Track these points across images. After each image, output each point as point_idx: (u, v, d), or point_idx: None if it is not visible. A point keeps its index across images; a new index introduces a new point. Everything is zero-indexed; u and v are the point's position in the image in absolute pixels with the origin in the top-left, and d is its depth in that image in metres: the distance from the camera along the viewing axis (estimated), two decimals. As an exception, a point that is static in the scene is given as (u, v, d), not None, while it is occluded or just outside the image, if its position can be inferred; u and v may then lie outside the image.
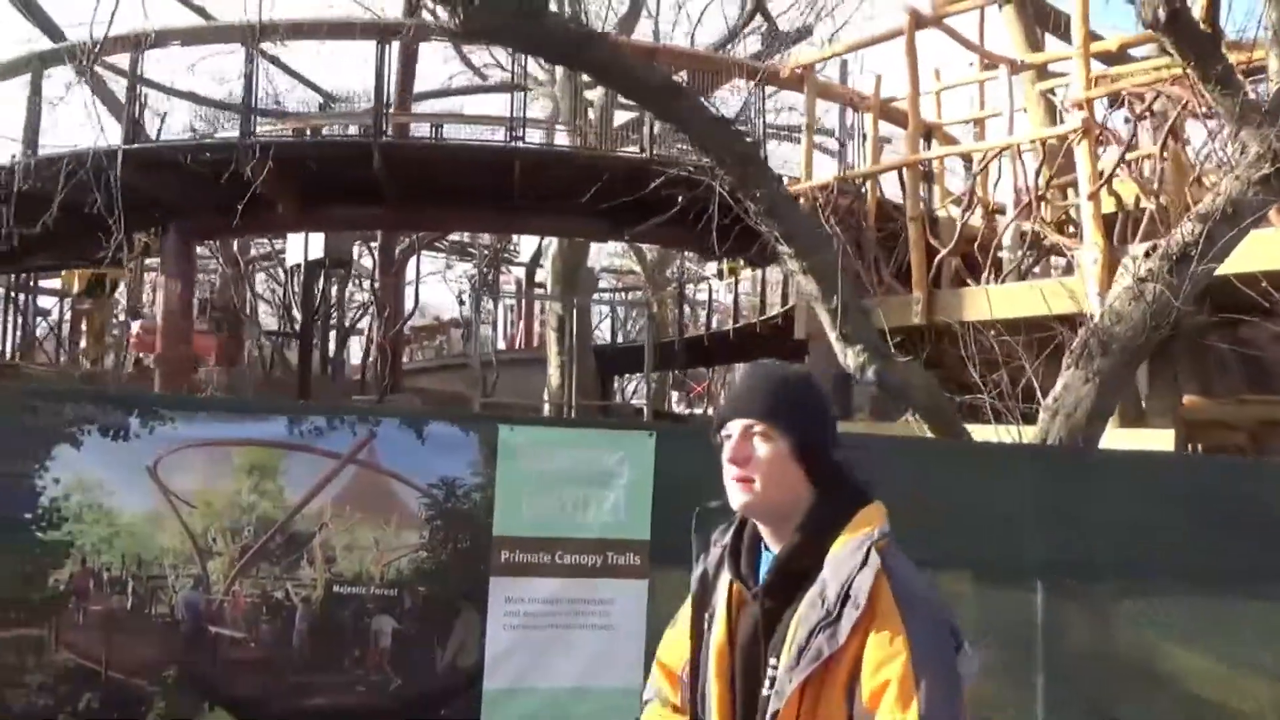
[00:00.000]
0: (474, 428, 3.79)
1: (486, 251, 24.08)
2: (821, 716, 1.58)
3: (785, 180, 9.55)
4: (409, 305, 21.82)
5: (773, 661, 1.63)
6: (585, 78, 12.39)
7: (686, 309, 26.50)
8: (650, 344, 16.03)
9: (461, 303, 26.96)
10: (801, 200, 9.18)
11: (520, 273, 27.73)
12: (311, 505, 3.63)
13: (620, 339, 27.89)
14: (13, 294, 24.34)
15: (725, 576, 1.76)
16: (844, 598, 1.59)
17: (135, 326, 25.60)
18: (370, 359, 21.42)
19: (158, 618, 3.52)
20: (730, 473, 1.71)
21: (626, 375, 26.62)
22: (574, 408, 14.75)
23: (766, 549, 1.72)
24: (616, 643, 3.81)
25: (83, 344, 19.82)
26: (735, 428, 1.72)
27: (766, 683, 1.63)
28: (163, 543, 3.54)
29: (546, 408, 16.57)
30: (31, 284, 20.93)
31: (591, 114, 13.91)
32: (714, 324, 24.66)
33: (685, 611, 1.82)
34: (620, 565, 3.85)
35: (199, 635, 3.54)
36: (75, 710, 3.42)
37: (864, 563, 1.60)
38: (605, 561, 3.84)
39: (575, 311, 16.04)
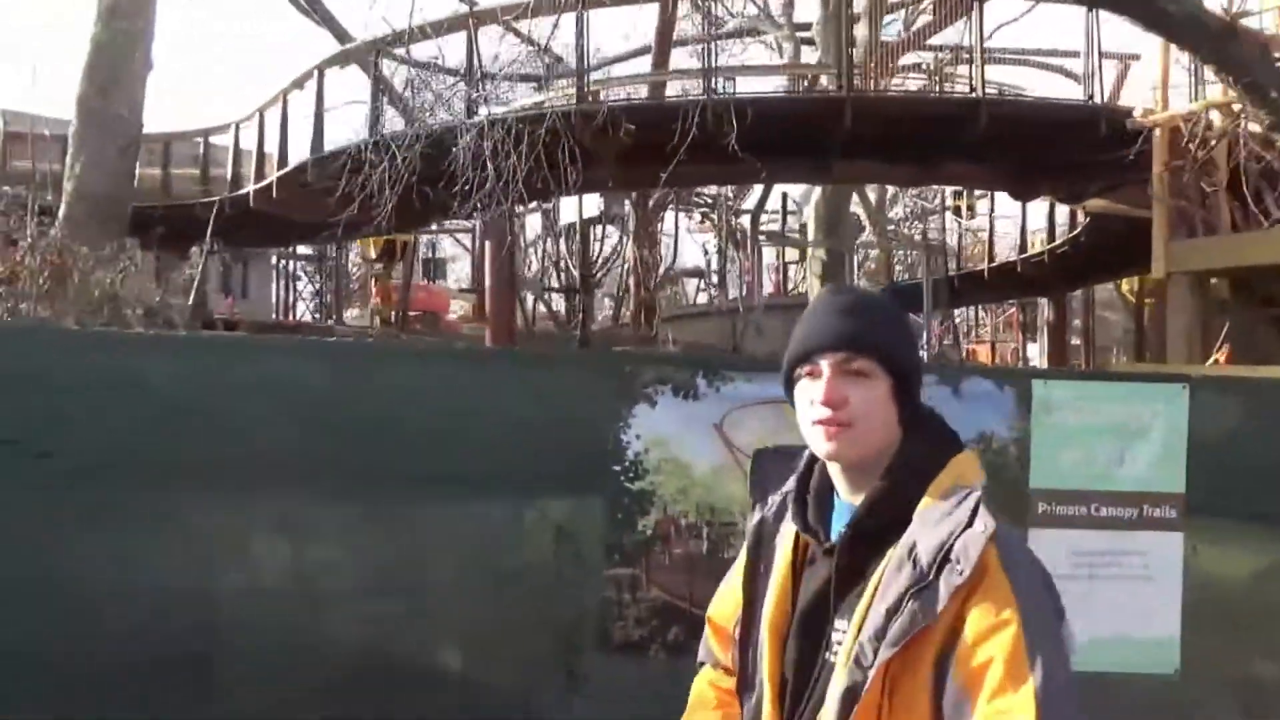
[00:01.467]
0: (1008, 382, 3.87)
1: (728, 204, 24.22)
2: (903, 694, 1.38)
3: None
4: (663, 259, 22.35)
5: (840, 624, 1.46)
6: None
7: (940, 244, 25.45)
8: (928, 283, 15.69)
9: (706, 253, 27.34)
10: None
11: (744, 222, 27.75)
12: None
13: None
14: (284, 262, 26.65)
15: (787, 527, 1.58)
16: (942, 559, 1.38)
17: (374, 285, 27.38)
18: (626, 310, 22.11)
19: (729, 560, 3.83)
20: (816, 415, 1.48)
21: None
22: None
23: (839, 499, 1.53)
24: (1154, 594, 3.83)
25: (374, 303, 21.56)
26: (826, 363, 1.48)
27: (834, 647, 1.45)
28: (730, 493, 3.83)
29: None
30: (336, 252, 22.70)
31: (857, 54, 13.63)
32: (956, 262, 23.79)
33: (739, 565, 1.66)
34: (1156, 518, 3.85)
35: (766, 577, 3.83)
36: (665, 641, 3.79)
37: (970, 521, 1.40)
38: (1140, 514, 3.85)
39: (838, 257, 15.92)
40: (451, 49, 11.74)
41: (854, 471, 1.49)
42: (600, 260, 18.40)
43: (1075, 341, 23.20)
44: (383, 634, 3.68)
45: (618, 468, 3.79)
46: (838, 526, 1.50)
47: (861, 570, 1.45)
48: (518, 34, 11.33)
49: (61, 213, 12.60)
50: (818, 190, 16.13)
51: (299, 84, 12.99)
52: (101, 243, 10.82)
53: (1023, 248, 20.44)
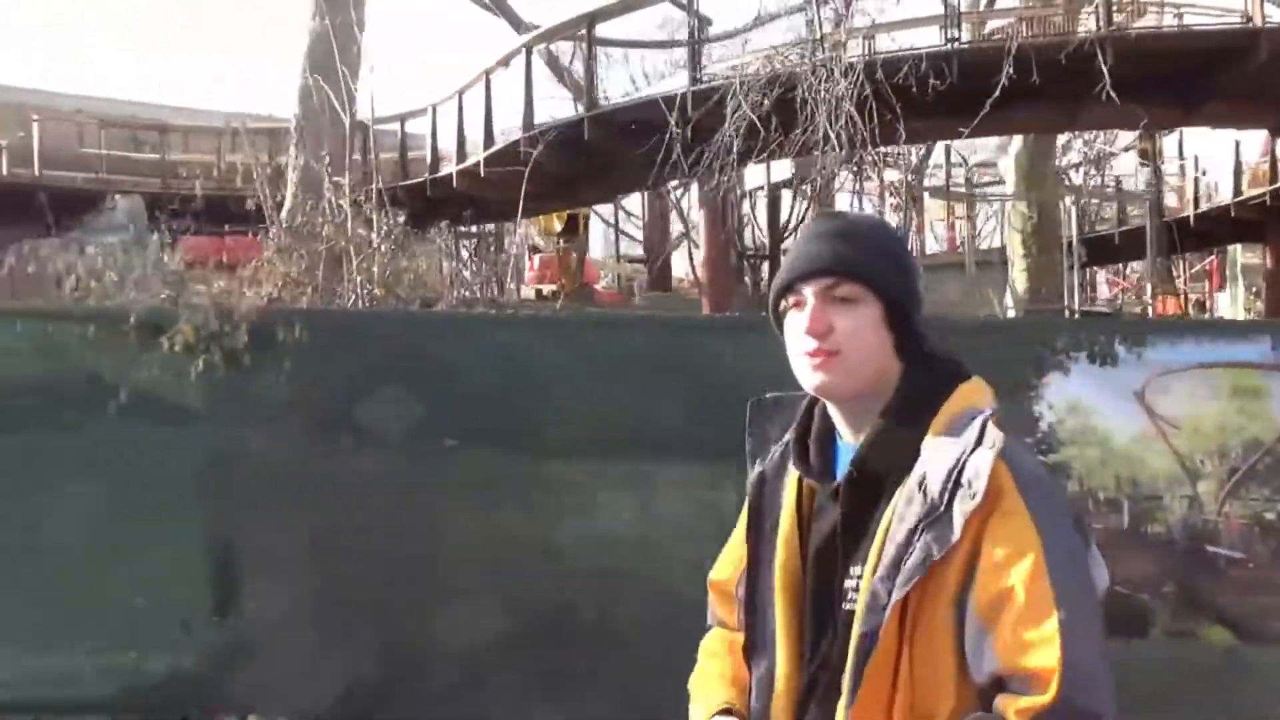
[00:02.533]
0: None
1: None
2: (923, 634, 1.25)
3: None
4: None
5: (854, 570, 1.32)
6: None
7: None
8: (1153, 230, 14.74)
9: (879, 213, 26.62)
10: None
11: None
12: (1301, 427, 3.54)
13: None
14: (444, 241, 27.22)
15: (790, 477, 1.43)
16: (953, 485, 1.24)
17: (536, 260, 27.73)
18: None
19: (1153, 536, 3.61)
20: (803, 347, 1.34)
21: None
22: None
23: (841, 441, 1.39)
24: None
25: (544, 278, 21.83)
26: (810, 290, 1.35)
27: (850, 596, 1.31)
28: (1152, 465, 3.60)
29: (1011, 310, 15.89)
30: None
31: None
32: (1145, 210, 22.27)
33: (740, 524, 1.51)
34: None
35: (1195, 554, 3.60)
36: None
37: (978, 441, 1.26)
38: None
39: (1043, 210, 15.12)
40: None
41: (852, 408, 1.36)
42: (789, 225, 18.07)
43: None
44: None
45: (1031, 439, 3.62)
46: (842, 469, 1.37)
47: (870, 512, 1.32)
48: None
49: (288, 204, 13.21)
50: (1016, 141, 15.36)
51: (504, 62, 13.11)
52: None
53: (1236, 190, 18.96)
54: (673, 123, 9.89)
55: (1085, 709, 1.18)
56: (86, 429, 3.71)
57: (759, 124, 9.24)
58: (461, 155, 14.78)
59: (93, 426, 3.69)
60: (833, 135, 8.75)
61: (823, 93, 8.63)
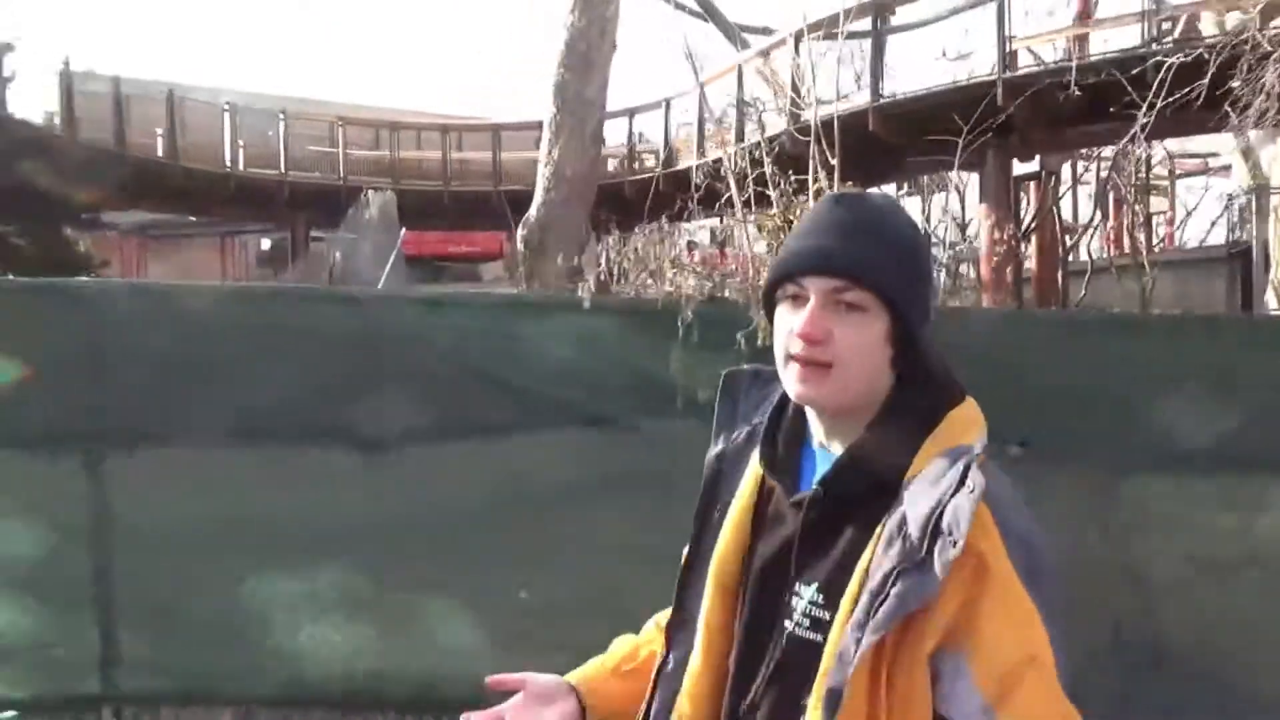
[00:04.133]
0: None
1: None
2: (900, 692, 1.11)
3: None
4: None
5: (803, 589, 1.19)
6: None
7: None
8: None
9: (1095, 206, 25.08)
10: None
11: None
12: None
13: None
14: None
15: (752, 464, 1.29)
16: (933, 530, 1.09)
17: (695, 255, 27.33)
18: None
19: None
20: (793, 349, 1.18)
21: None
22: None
23: (813, 444, 1.25)
24: None
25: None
26: (814, 288, 1.17)
27: (794, 614, 1.19)
28: None
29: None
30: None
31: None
32: None
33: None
34: None
35: None
36: None
37: (960, 484, 1.10)
38: None
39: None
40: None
41: (831, 418, 1.23)
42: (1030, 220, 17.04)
43: None
44: None
45: None
46: (810, 475, 1.25)
47: (832, 531, 1.20)
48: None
49: (538, 198, 13.26)
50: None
51: (764, 53, 12.74)
52: (574, 226, 11.23)
53: None
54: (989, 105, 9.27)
55: None
56: (640, 424, 3.49)
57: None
58: (701, 149, 14.52)
59: (645, 422, 3.47)
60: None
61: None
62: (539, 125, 18.97)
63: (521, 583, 3.56)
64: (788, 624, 1.20)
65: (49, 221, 17.30)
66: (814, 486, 1.20)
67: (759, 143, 12.67)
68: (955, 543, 1.08)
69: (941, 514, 1.10)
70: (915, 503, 1.13)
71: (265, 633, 3.42)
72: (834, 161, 6.13)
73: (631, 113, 17.33)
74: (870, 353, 1.18)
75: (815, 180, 9.85)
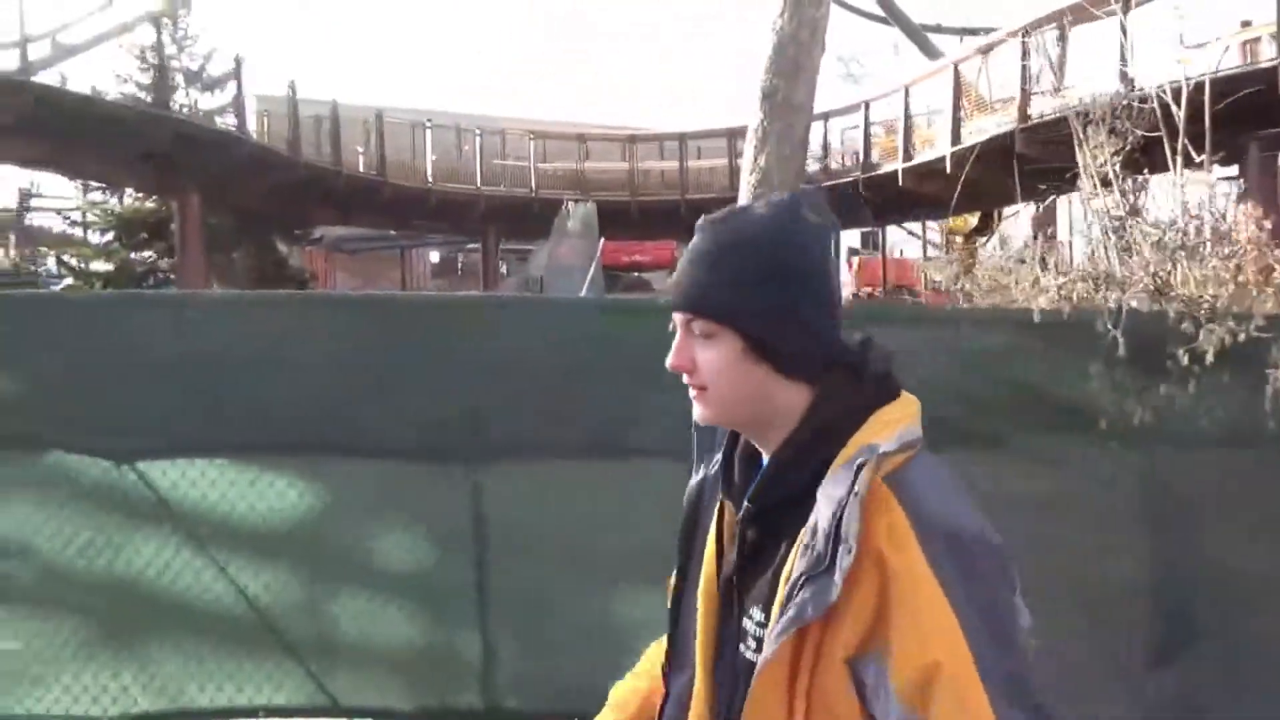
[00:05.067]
0: None
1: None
2: (818, 701, 1.11)
3: None
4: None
5: (753, 612, 1.20)
6: None
7: None
8: None
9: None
10: None
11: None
12: None
13: None
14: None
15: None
16: (835, 537, 1.10)
17: (854, 260, 26.58)
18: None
19: None
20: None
21: None
22: None
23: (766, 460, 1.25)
24: None
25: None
26: (678, 320, 1.24)
27: (749, 639, 1.20)
28: None
29: None
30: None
31: None
32: None
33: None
34: None
35: None
36: None
37: (851, 487, 1.11)
38: None
39: None
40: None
41: (756, 435, 1.24)
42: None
43: None
44: None
45: None
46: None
47: (769, 547, 1.20)
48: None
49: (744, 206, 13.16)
50: None
51: (984, 50, 12.23)
52: None
53: None
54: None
55: None
56: (1012, 441, 3.26)
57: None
58: (908, 151, 14.06)
59: (1018, 438, 3.24)
60: None
61: None
62: (726, 133, 18.88)
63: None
64: (742, 647, 1.22)
65: (267, 237, 18.33)
66: (744, 504, 1.22)
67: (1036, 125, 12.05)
68: (850, 550, 1.09)
69: (840, 520, 1.11)
70: (820, 510, 1.14)
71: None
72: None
73: (826, 116, 16.95)
74: (732, 372, 1.20)
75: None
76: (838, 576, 1.08)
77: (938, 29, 23.47)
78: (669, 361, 1.23)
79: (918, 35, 22.15)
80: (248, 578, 3.40)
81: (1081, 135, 4.59)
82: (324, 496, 3.47)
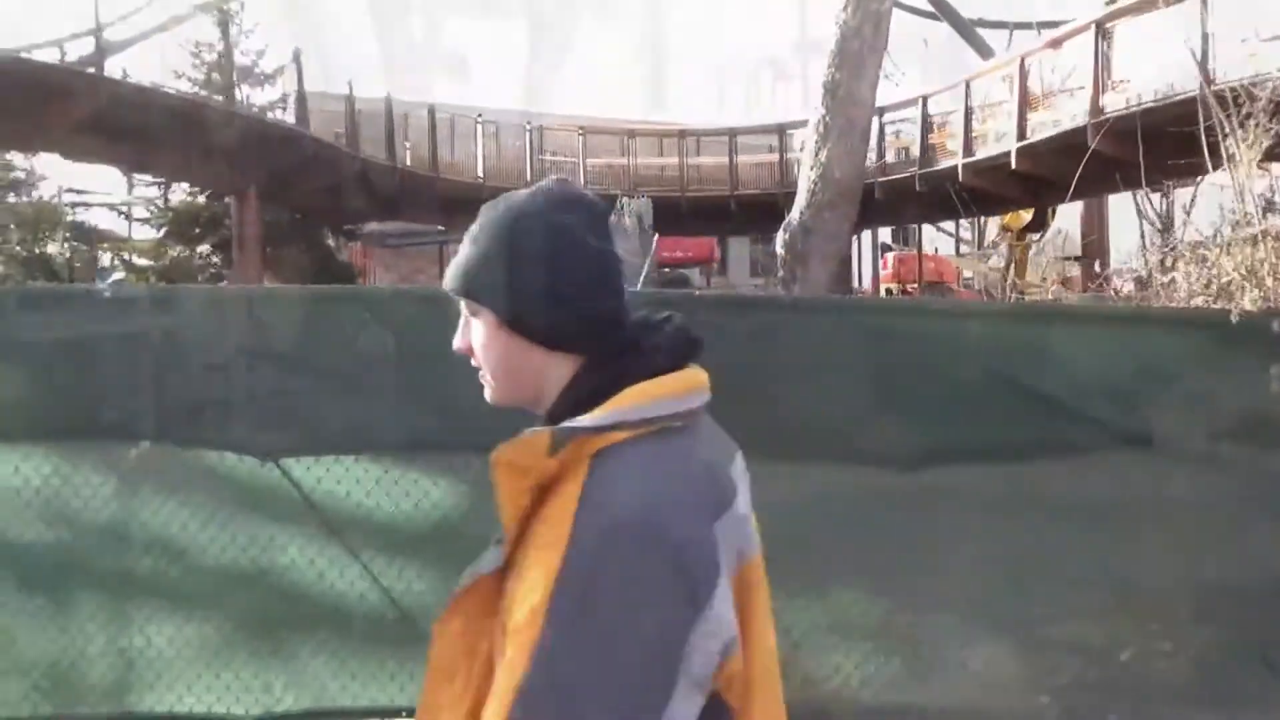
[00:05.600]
0: None
1: None
2: (485, 660, 1.19)
3: None
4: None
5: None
6: None
7: None
8: None
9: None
10: None
11: None
12: None
13: None
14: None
15: None
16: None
17: (889, 258, 26.25)
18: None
19: None
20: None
21: None
22: None
23: None
24: None
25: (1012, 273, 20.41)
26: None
27: None
28: None
29: None
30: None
31: None
32: None
33: None
34: None
35: None
36: None
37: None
38: None
39: None
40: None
41: (538, 410, 1.25)
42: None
43: None
44: None
45: None
46: None
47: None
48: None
49: (802, 201, 12.99)
50: None
51: (1055, 44, 12.03)
52: (839, 229, 10.82)
53: None
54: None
55: None
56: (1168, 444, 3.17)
57: None
58: (969, 147, 13.87)
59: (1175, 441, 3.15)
60: None
61: None
62: (777, 129, 18.70)
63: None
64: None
65: (318, 232, 18.40)
66: None
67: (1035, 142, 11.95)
68: (502, 539, 1.15)
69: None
70: None
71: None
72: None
73: (881, 111, 16.76)
74: (493, 349, 1.23)
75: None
76: (499, 549, 1.16)
77: (980, 23, 23.24)
78: (454, 344, 1.27)
79: (968, 31, 21.89)
80: (390, 576, 3.36)
81: (1227, 125, 4.45)
82: (465, 494, 3.43)
